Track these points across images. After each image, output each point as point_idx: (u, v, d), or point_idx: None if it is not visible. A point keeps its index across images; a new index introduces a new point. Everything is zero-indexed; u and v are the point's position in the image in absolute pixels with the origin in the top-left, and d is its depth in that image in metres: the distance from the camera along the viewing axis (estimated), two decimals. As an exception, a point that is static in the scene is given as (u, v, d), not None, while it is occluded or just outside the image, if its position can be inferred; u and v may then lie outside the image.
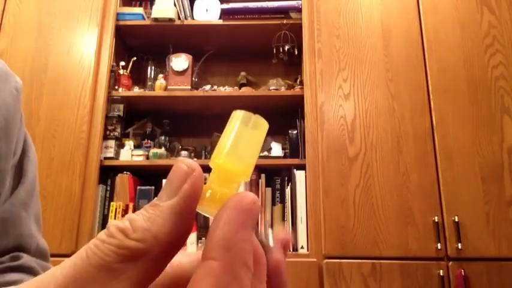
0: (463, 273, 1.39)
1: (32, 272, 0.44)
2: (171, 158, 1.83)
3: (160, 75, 1.91)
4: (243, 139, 0.19)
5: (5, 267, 0.42)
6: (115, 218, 1.63)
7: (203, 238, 1.62)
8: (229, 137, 0.19)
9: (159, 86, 1.88)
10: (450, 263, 1.43)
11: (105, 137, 1.74)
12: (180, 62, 1.91)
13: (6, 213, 0.43)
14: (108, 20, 1.83)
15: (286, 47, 1.85)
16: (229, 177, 0.19)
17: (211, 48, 2.03)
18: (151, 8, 1.97)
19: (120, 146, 1.81)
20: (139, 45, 2.08)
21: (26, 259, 0.44)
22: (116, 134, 1.79)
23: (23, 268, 0.43)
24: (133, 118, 1.96)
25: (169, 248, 0.18)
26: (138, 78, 2.01)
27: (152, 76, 1.99)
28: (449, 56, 1.65)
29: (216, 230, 0.17)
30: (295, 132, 1.77)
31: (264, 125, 0.19)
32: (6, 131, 0.43)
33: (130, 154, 1.77)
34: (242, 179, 0.19)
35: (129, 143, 1.80)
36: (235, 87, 1.94)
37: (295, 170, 1.64)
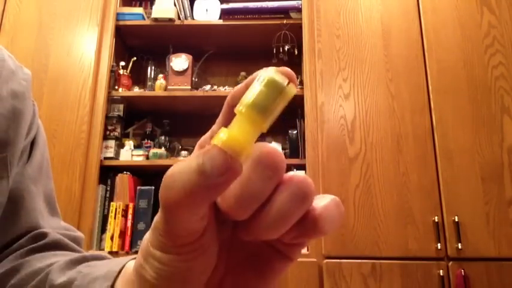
0: (463, 273, 1.39)
1: (59, 246, 0.44)
2: (171, 158, 1.83)
3: (160, 75, 1.91)
4: (268, 98, 0.19)
5: (28, 249, 0.42)
6: (115, 218, 1.63)
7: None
8: (257, 91, 0.19)
9: (159, 86, 1.88)
10: (450, 263, 1.43)
11: (105, 137, 1.74)
12: (180, 62, 1.91)
13: (15, 188, 0.44)
14: (108, 20, 1.83)
15: (286, 47, 1.85)
16: (247, 127, 0.19)
17: (211, 48, 2.03)
18: (151, 8, 1.97)
19: (120, 146, 1.81)
20: (139, 45, 2.08)
21: (50, 236, 0.44)
22: (116, 134, 1.79)
23: (49, 246, 0.43)
24: (134, 118, 1.96)
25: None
26: (138, 78, 2.01)
27: (152, 76, 1.99)
28: (449, 56, 1.65)
29: None
30: (295, 132, 1.77)
31: (291, 93, 0.20)
32: (15, 120, 0.44)
33: (130, 154, 1.77)
34: (258, 131, 0.20)
35: (129, 143, 1.80)
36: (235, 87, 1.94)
37: (295, 170, 1.64)
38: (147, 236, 0.22)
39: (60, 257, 0.39)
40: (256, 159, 0.19)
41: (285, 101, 0.20)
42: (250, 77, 0.22)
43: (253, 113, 0.19)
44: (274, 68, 0.21)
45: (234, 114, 0.20)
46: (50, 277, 0.34)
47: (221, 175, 0.17)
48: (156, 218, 0.21)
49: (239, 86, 0.23)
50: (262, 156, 0.19)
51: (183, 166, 0.18)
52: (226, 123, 0.22)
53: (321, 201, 0.21)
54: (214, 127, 0.25)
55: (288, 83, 0.20)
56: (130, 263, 0.29)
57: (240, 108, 0.19)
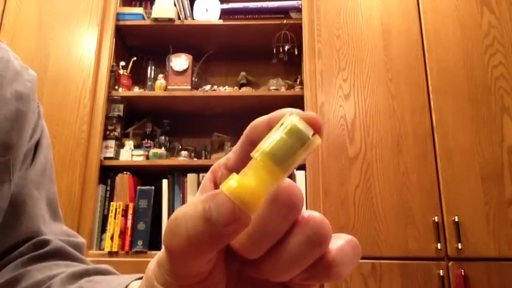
0: (463, 273, 1.39)
1: (61, 254, 0.43)
2: (171, 158, 1.83)
3: (160, 75, 1.91)
4: (289, 148, 0.18)
5: (29, 258, 0.41)
6: (115, 218, 1.63)
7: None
8: (277, 139, 0.18)
9: (159, 86, 1.88)
10: (450, 263, 1.43)
11: (105, 137, 1.74)
12: (180, 62, 1.91)
13: (17, 192, 0.43)
14: (108, 20, 1.83)
15: (286, 47, 1.85)
16: (262, 177, 0.18)
17: (211, 48, 2.03)
18: (151, 8, 1.96)
19: (120, 146, 1.81)
20: (139, 45, 2.08)
21: (52, 244, 0.43)
22: (116, 134, 1.79)
23: (50, 254, 0.42)
24: (133, 118, 1.96)
25: None
26: (138, 78, 2.01)
27: (152, 76, 1.99)
28: (449, 56, 1.65)
29: None
30: (295, 132, 1.77)
31: (315, 145, 0.18)
32: (19, 122, 0.43)
33: (130, 154, 1.77)
34: (274, 183, 0.18)
35: (129, 143, 1.80)
36: (235, 87, 1.94)
37: (295, 170, 1.63)
38: (153, 265, 0.21)
39: (62, 268, 0.39)
40: (273, 196, 0.18)
41: (307, 153, 0.18)
42: (274, 114, 0.20)
43: (270, 163, 0.17)
44: (300, 113, 0.19)
45: (251, 149, 0.18)
46: None
47: (228, 225, 0.16)
48: (161, 254, 0.20)
49: (261, 118, 0.21)
50: (279, 193, 0.18)
51: (188, 210, 0.17)
52: (243, 156, 0.21)
53: (337, 243, 0.20)
54: (230, 155, 0.24)
55: (314, 134, 0.18)
56: (134, 284, 0.28)
57: (256, 155, 0.18)
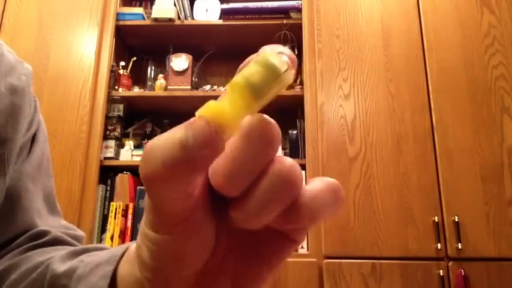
0: (463, 273, 1.39)
1: (60, 242, 0.43)
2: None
3: (160, 75, 1.91)
4: (263, 79, 0.18)
5: (27, 247, 0.40)
6: (115, 218, 1.63)
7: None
8: (253, 70, 0.19)
9: (159, 86, 1.88)
10: (450, 263, 1.43)
11: (105, 137, 1.74)
12: (180, 62, 1.91)
13: (13, 186, 0.42)
14: (108, 20, 1.83)
15: (286, 47, 1.85)
16: (237, 103, 0.18)
17: (211, 48, 2.03)
18: (151, 8, 1.96)
19: (120, 146, 1.81)
20: (139, 45, 2.08)
21: (50, 234, 0.42)
22: (116, 134, 1.79)
23: (49, 243, 0.42)
24: (133, 118, 1.96)
25: None
26: (138, 78, 2.01)
27: (152, 76, 1.99)
28: (449, 56, 1.65)
29: None
30: (295, 132, 1.77)
31: (287, 82, 0.19)
32: (14, 115, 0.43)
33: (130, 154, 1.77)
34: (248, 111, 0.19)
35: (129, 143, 1.80)
36: (235, 87, 1.94)
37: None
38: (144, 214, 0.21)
39: (61, 251, 0.38)
40: (247, 129, 0.18)
41: (279, 87, 0.19)
42: (258, 52, 0.21)
43: (244, 90, 0.18)
44: (278, 48, 0.20)
45: None
46: (51, 267, 0.34)
47: (202, 149, 0.16)
48: (146, 197, 0.20)
49: (249, 58, 0.22)
50: (253, 126, 0.18)
51: (164, 138, 0.17)
52: None
53: (314, 186, 0.20)
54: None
55: (286, 70, 0.19)
56: (133, 246, 0.28)
57: (232, 83, 0.19)
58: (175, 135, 0.17)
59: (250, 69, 0.19)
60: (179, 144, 0.17)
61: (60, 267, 0.33)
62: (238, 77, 0.19)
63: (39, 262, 0.36)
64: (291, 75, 0.19)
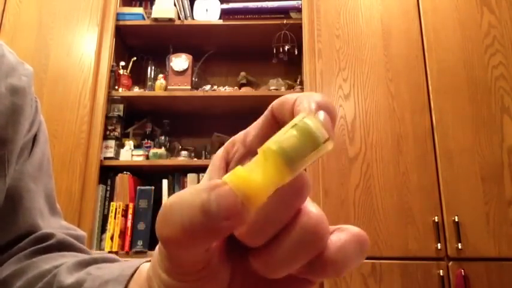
0: (463, 273, 1.39)
1: (65, 246, 0.42)
2: (171, 158, 1.83)
3: (160, 75, 1.91)
4: (300, 149, 0.17)
5: (32, 251, 0.40)
6: (115, 218, 1.63)
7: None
8: (290, 136, 0.17)
9: (159, 86, 1.88)
10: (450, 263, 1.43)
11: (105, 137, 1.74)
12: (180, 62, 1.91)
13: (14, 186, 0.42)
14: (108, 20, 1.83)
15: (286, 47, 1.85)
16: (269, 174, 0.17)
17: (211, 48, 2.03)
18: (151, 8, 1.96)
19: (120, 146, 1.81)
20: (139, 45, 2.08)
21: (55, 237, 0.42)
22: (116, 134, 1.79)
23: (54, 247, 0.41)
24: (133, 118, 1.96)
25: None
26: (138, 78, 2.01)
27: (152, 76, 1.99)
28: (449, 56, 1.65)
29: None
30: (295, 132, 1.77)
31: (326, 151, 0.17)
32: (14, 116, 0.43)
33: (130, 154, 1.77)
34: (280, 182, 0.17)
35: (129, 143, 1.80)
36: (235, 87, 1.94)
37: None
38: (157, 250, 0.21)
39: (68, 258, 0.38)
40: None
41: (316, 157, 0.17)
42: (301, 97, 0.19)
43: (279, 161, 0.16)
44: (315, 100, 0.18)
45: (275, 123, 0.18)
46: (58, 278, 0.33)
47: (227, 219, 0.15)
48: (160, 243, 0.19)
49: (290, 96, 0.20)
50: None
51: (185, 198, 0.16)
52: (264, 132, 0.20)
53: (339, 237, 0.19)
54: (250, 129, 0.22)
55: (327, 140, 0.17)
56: (143, 266, 0.28)
57: (265, 149, 0.17)
58: (197, 198, 0.16)
59: (286, 134, 0.17)
60: (201, 209, 0.15)
61: (67, 279, 0.32)
62: (273, 143, 0.17)
63: (46, 270, 0.36)
64: (331, 144, 0.17)
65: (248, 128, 0.22)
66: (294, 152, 0.17)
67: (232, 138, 0.23)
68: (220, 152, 0.23)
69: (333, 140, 0.17)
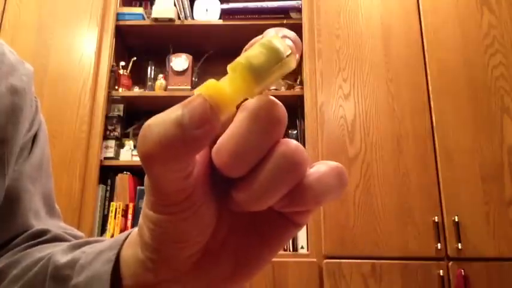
0: (463, 273, 1.39)
1: (60, 240, 0.42)
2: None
3: (160, 75, 1.91)
4: (265, 62, 0.18)
5: (27, 245, 0.40)
6: (115, 218, 1.63)
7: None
8: (256, 52, 0.19)
9: (159, 86, 1.88)
10: (450, 263, 1.43)
11: (105, 137, 1.74)
12: (180, 62, 1.91)
13: (12, 186, 0.42)
14: (108, 20, 1.83)
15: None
16: (237, 84, 0.18)
17: (211, 48, 2.03)
18: (151, 8, 1.96)
19: (120, 146, 1.81)
20: (139, 45, 2.08)
21: (50, 233, 0.42)
22: (116, 134, 1.79)
23: (49, 240, 0.41)
24: (133, 118, 1.96)
25: None
26: (138, 78, 2.00)
27: (152, 76, 1.99)
28: (449, 56, 1.65)
29: None
30: (295, 132, 1.77)
31: (289, 67, 0.19)
32: (14, 116, 0.43)
33: (130, 154, 1.77)
34: (248, 93, 0.18)
35: (129, 143, 1.80)
36: (235, 87, 1.94)
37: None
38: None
39: (63, 245, 0.38)
40: (255, 108, 0.18)
41: (281, 72, 0.18)
42: (267, 30, 0.21)
43: (245, 72, 0.18)
44: (282, 31, 0.20)
45: None
46: (53, 259, 0.33)
47: (198, 128, 0.16)
48: (146, 176, 0.20)
49: (254, 39, 0.22)
50: (261, 107, 0.18)
51: (162, 116, 0.17)
52: None
53: (319, 168, 0.20)
54: None
55: (289, 55, 0.18)
56: (135, 230, 0.28)
57: (234, 63, 0.18)
58: (172, 113, 0.17)
59: (254, 51, 0.19)
60: (175, 122, 0.17)
61: (63, 258, 0.33)
62: (241, 58, 0.18)
63: (40, 257, 0.36)
64: (294, 60, 0.19)
65: None
66: (259, 64, 0.18)
67: None
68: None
69: (295, 56, 0.19)
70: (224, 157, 0.18)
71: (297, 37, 0.20)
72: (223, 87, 0.18)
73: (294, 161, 0.18)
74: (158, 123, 0.17)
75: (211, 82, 0.18)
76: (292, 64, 0.19)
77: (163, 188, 0.18)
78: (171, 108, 0.18)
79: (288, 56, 0.18)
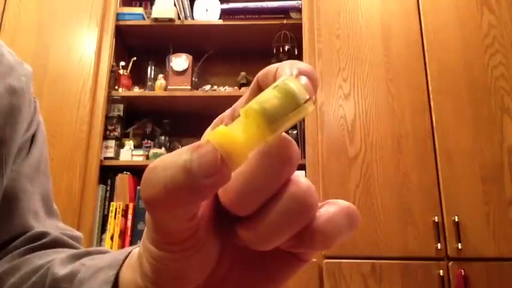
0: (463, 273, 1.39)
1: (60, 243, 0.42)
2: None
3: (160, 75, 1.91)
4: (281, 108, 0.17)
5: (26, 249, 0.40)
6: (115, 218, 1.63)
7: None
8: (271, 96, 0.17)
9: (159, 86, 1.88)
10: (450, 263, 1.43)
11: (105, 137, 1.74)
12: (180, 62, 1.91)
13: (10, 186, 0.42)
14: (108, 20, 1.83)
15: (286, 47, 1.85)
16: (250, 132, 0.17)
17: (211, 48, 2.03)
18: (151, 8, 1.96)
19: (120, 146, 1.81)
20: (139, 45, 2.08)
21: (49, 236, 0.42)
22: (116, 134, 1.79)
23: (48, 245, 0.41)
24: (133, 118, 1.96)
25: None
26: (138, 78, 2.01)
27: (152, 76, 1.99)
28: (449, 57, 1.65)
29: None
30: (294, 132, 1.77)
31: (306, 112, 0.18)
32: (12, 116, 0.43)
33: (130, 154, 1.77)
34: (261, 141, 0.17)
35: (129, 143, 1.80)
36: (235, 87, 1.94)
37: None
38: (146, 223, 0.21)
39: (61, 254, 0.38)
40: (266, 149, 0.17)
41: (297, 118, 0.17)
42: (280, 65, 0.20)
43: (260, 119, 0.17)
44: (298, 66, 0.19)
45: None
46: (51, 270, 0.33)
47: (207, 177, 0.15)
48: (147, 213, 0.19)
49: (273, 66, 0.20)
50: (272, 146, 0.17)
51: (168, 160, 0.16)
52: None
53: (329, 209, 0.19)
54: (238, 103, 0.22)
55: (307, 101, 0.17)
56: (135, 250, 0.28)
57: (247, 108, 0.17)
58: (179, 157, 0.16)
59: (267, 94, 0.17)
60: (183, 168, 0.15)
61: (61, 270, 0.32)
62: (254, 103, 0.17)
63: (40, 265, 0.36)
64: (311, 105, 0.17)
65: (236, 103, 0.22)
66: (274, 110, 0.17)
67: (221, 114, 0.23)
68: (209, 129, 0.23)
69: (313, 102, 0.17)
70: (231, 196, 0.18)
71: (313, 70, 0.19)
72: (234, 135, 0.17)
73: (305, 204, 0.18)
74: (165, 166, 0.16)
75: (221, 129, 0.17)
76: (310, 110, 0.17)
77: (166, 228, 0.18)
78: (178, 150, 0.17)
79: (305, 101, 0.17)
